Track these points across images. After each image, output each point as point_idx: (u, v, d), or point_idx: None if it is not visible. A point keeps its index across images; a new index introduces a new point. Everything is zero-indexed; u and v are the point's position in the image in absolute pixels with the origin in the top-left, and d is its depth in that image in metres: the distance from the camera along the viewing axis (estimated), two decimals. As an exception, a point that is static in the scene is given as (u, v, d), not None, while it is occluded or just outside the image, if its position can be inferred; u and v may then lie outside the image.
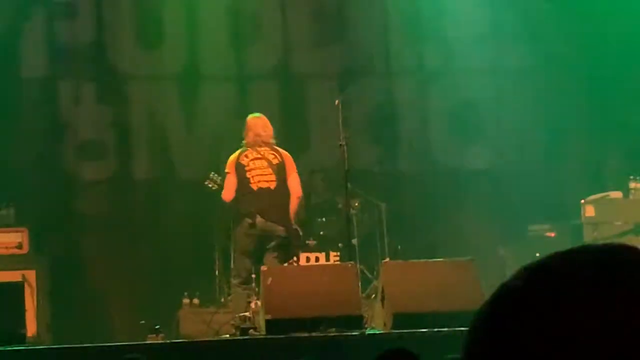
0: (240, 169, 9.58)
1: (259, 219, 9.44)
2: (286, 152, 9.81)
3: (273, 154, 9.65)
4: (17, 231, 10.82)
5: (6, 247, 10.73)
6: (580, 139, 12.54)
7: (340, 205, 11.03)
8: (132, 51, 12.41)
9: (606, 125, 12.46)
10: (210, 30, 12.49)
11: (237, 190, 9.61)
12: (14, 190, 11.66)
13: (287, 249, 9.68)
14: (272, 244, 9.52)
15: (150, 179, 12.30)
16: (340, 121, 9.80)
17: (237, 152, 9.75)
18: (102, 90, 12.35)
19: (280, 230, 9.49)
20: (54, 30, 12.30)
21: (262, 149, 9.68)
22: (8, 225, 10.89)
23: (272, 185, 9.54)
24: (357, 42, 12.76)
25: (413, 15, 12.70)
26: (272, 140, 9.80)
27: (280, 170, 9.58)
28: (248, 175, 9.54)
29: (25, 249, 10.77)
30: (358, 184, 10.54)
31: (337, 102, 9.93)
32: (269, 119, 10.24)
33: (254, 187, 9.52)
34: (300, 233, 9.79)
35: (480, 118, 12.61)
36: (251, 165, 9.58)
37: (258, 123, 9.79)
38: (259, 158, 9.60)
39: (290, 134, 12.21)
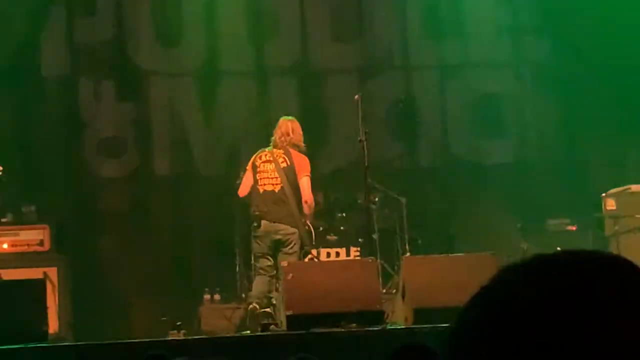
0: (254, 169, 9.82)
1: (262, 220, 9.62)
2: (301, 156, 9.84)
3: (283, 158, 9.78)
4: (38, 228, 10.86)
5: (28, 245, 10.78)
6: (601, 131, 12.46)
7: (360, 201, 11.01)
8: (152, 48, 12.43)
9: (627, 118, 12.38)
10: (229, 26, 12.49)
11: (250, 190, 9.81)
12: (35, 188, 11.72)
13: (300, 248, 9.79)
14: (285, 244, 9.60)
15: (170, 176, 12.33)
16: (359, 116, 9.78)
17: (257, 152, 9.87)
18: (122, 88, 12.39)
19: (284, 228, 9.57)
20: (74, 29, 12.34)
21: (279, 151, 9.78)
22: (30, 223, 10.94)
23: (277, 188, 9.72)
24: (376, 37, 12.73)
25: (432, 10, 12.67)
26: (299, 145, 9.85)
27: (288, 174, 9.71)
28: (257, 177, 9.79)
29: (47, 247, 10.81)
30: (378, 179, 10.52)
31: (356, 97, 9.91)
32: (288, 114, 10.26)
33: (260, 189, 9.75)
34: (313, 233, 9.84)
35: (500, 112, 12.56)
36: (261, 167, 9.78)
37: (286, 125, 9.90)
38: (269, 161, 9.78)
39: (310, 130, 12.17)
